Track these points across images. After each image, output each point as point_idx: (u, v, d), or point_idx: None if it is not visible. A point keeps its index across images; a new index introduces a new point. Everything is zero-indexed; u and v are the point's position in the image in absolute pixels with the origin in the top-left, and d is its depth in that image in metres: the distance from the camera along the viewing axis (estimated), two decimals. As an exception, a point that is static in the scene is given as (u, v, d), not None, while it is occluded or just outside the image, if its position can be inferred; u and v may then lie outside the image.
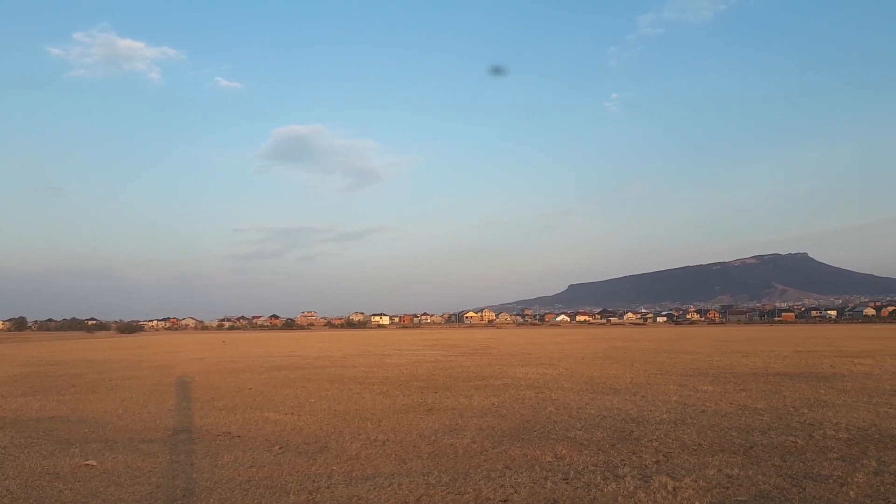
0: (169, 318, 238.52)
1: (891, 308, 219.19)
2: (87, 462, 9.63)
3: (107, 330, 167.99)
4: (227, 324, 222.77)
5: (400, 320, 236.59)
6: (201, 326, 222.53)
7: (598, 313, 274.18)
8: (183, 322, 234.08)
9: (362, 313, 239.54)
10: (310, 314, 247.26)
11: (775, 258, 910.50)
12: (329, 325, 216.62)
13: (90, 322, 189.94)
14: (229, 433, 11.89)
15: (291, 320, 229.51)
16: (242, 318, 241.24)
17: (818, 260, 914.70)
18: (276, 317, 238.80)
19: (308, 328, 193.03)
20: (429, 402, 15.37)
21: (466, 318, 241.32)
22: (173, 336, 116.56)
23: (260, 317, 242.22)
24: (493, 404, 14.92)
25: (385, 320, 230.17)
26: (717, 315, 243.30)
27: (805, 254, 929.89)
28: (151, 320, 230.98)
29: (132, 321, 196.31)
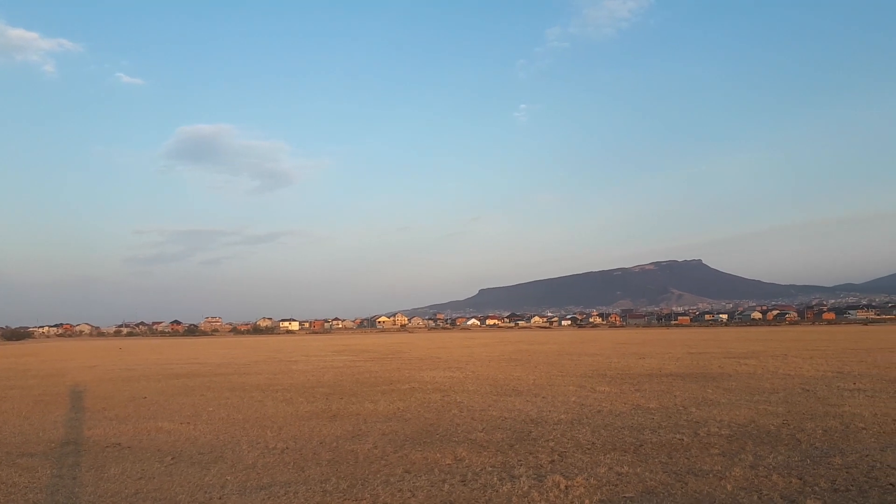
0: (62, 324, 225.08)
1: (775, 312, 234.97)
2: (-45, 480, 8.94)
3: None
4: (124, 330, 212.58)
5: (310, 326, 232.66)
6: (97, 333, 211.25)
7: (507, 317, 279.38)
8: (77, 328, 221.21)
9: (270, 319, 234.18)
10: (214, 320, 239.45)
11: (672, 265, 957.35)
12: (235, 331, 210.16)
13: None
14: (119, 444, 11.33)
15: (194, 326, 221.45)
16: (142, 323, 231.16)
17: (711, 267, 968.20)
18: (177, 322, 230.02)
19: (212, 334, 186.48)
20: (333, 409, 15.20)
21: (379, 322, 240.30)
22: (66, 343, 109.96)
23: (161, 322, 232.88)
24: (399, 409, 14.92)
25: (294, 326, 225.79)
26: (617, 319, 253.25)
27: (700, 261, 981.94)
28: (42, 326, 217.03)
29: (20, 327, 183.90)
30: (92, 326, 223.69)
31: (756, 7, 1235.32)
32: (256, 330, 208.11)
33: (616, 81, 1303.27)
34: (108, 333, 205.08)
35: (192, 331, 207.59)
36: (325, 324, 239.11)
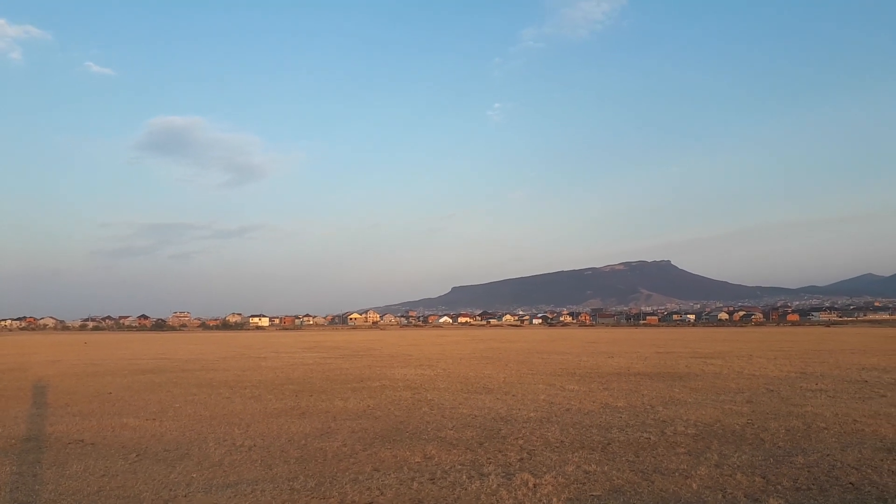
0: (25, 317, 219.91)
1: (741, 313, 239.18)
2: None
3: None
4: (90, 324, 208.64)
5: (280, 322, 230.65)
6: (62, 326, 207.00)
7: (478, 315, 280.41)
8: (41, 322, 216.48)
9: (240, 314, 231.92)
10: (183, 315, 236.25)
11: (642, 265, 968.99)
12: (203, 326, 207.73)
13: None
14: (82, 441, 11.12)
15: (162, 321, 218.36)
16: (108, 318, 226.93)
17: (680, 267, 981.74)
18: (145, 317, 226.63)
19: (180, 329, 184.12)
20: (302, 406, 15.09)
21: (351, 319, 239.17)
22: (29, 336, 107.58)
23: (128, 317, 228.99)
24: (369, 406, 14.87)
25: (264, 322, 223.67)
26: (587, 318, 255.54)
27: (668, 261, 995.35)
28: (4, 319, 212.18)
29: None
30: (56, 320, 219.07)
31: (726, 10, 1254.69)
32: (226, 325, 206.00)
33: (589, 82, 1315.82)
34: (74, 327, 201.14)
35: (160, 326, 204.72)
36: (296, 320, 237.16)
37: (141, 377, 23.66)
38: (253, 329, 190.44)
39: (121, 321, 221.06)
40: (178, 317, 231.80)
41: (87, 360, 34.93)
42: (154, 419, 13.41)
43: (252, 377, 23.00)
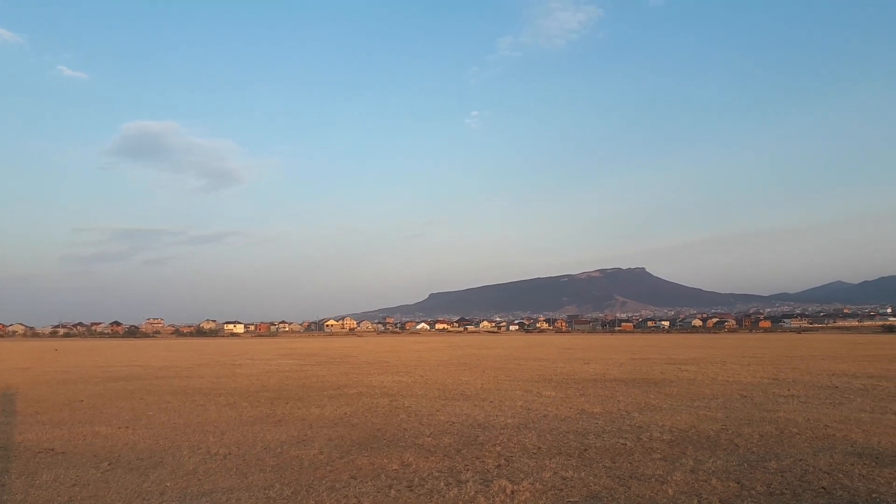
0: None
1: (715, 320, 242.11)
2: None
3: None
4: (61, 331, 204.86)
5: (255, 328, 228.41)
6: (32, 333, 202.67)
7: (456, 321, 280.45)
8: (10, 328, 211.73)
9: (214, 321, 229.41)
10: (156, 321, 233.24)
11: (617, 272, 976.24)
12: (177, 333, 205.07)
13: None
14: (52, 450, 10.90)
15: (135, 328, 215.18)
16: (80, 324, 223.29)
17: (654, 275, 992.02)
18: (118, 324, 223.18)
19: (154, 336, 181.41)
20: (278, 414, 14.95)
21: (327, 326, 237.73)
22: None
23: (100, 324, 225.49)
24: (346, 414, 14.78)
25: (239, 328, 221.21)
26: (563, 324, 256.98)
27: (643, 268, 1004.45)
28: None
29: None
30: (26, 327, 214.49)
31: (701, 21, 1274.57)
32: (200, 332, 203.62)
33: (566, 92, 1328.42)
34: (44, 334, 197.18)
35: (133, 332, 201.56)
36: (272, 327, 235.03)
37: (113, 385, 23.29)
38: (228, 336, 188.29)
39: (93, 328, 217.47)
40: (151, 323, 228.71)
41: (58, 368, 34.30)
42: (127, 427, 13.19)
43: (227, 384, 22.76)
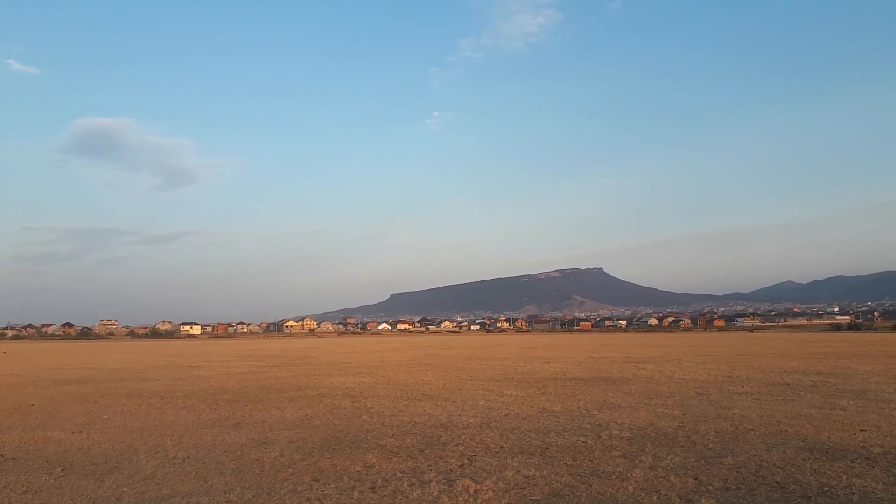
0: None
1: (670, 319, 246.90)
2: None
3: None
4: (9, 332, 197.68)
5: (213, 330, 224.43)
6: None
7: (417, 322, 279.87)
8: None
9: (170, 322, 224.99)
10: (110, 323, 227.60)
11: (575, 272, 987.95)
12: (132, 334, 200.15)
13: None
14: (2, 455, 10.56)
15: (88, 329, 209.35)
16: (30, 326, 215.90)
17: (612, 275, 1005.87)
18: (70, 325, 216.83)
19: (107, 338, 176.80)
20: (237, 416, 14.73)
21: (286, 327, 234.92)
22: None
23: (51, 325, 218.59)
24: (307, 415, 14.65)
25: (196, 330, 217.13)
26: (524, 324, 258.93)
27: (601, 269, 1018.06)
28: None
29: None
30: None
31: (658, 26, 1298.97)
32: (155, 334, 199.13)
33: (526, 94, 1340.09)
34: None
35: (86, 334, 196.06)
36: (229, 328, 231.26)
37: (66, 388, 22.66)
38: (184, 337, 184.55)
39: (43, 330, 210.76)
40: (105, 325, 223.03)
41: (7, 371, 33.21)
42: (81, 432, 12.85)
43: (184, 387, 22.34)
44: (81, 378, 27.32)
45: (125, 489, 8.31)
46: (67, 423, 14.01)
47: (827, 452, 9.83)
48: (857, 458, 9.36)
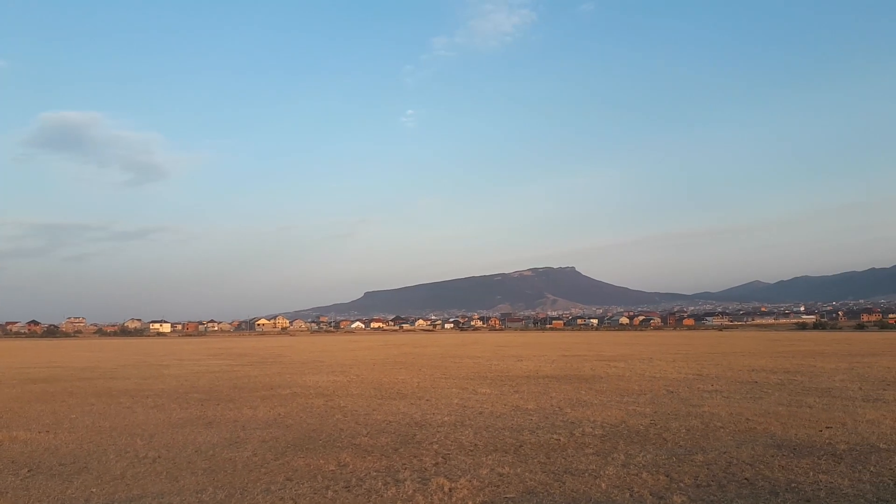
0: None
1: (641, 317, 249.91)
2: None
3: None
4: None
5: (183, 328, 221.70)
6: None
7: (391, 320, 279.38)
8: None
9: (140, 320, 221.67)
10: (77, 320, 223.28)
11: (548, 271, 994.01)
12: (100, 332, 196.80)
13: None
14: (-36, 458, 10.30)
15: (55, 327, 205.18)
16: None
17: (584, 274, 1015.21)
18: (35, 323, 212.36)
19: (75, 336, 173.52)
20: (209, 415, 14.56)
21: (258, 325, 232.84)
22: None
23: (16, 323, 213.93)
24: (279, 414, 14.53)
25: (166, 328, 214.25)
26: (497, 322, 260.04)
27: (573, 268, 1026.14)
28: None
29: None
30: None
31: (628, 28, 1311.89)
32: (124, 332, 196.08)
33: (500, 93, 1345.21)
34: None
35: (53, 332, 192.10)
36: (200, 326, 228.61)
37: (32, 387, 22.19)
38: (154, 335, 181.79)
39: (7, 327, 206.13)
40: (72, 322, 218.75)
41: (-32, 370, 32.37)
42: (48, 431, 12.60)
43: (154, 386, 22.02)
44: (48, 377, 26.79)
45: (94, 490, 8.17)
46: (34, 423, 13.72)
47: (794, 449, 10.02)
48: (823, 455, 9.57)
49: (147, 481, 8.57)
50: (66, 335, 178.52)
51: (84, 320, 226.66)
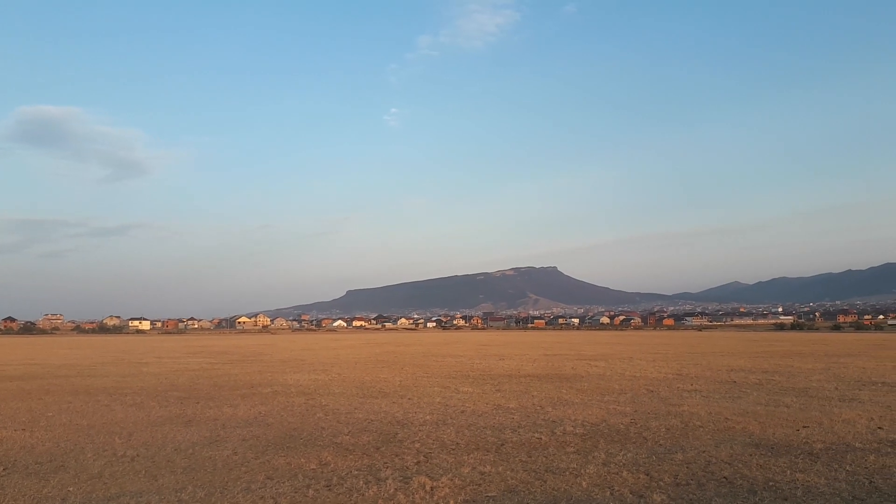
0: None
1: (622, 317, 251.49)
2: None
3: None
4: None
5: (163, 326, 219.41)
6: None
7: (374, 319, 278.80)
8: None
9: (118, 317, 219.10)
10: (55, 317, 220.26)
11: (530, 271, 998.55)
12: (78, 329, 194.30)
13: None
14: (-63, 456, 10.13)
15: (32, 324, 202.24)
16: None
17: (565, 274, 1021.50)
18: (11, 319, 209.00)
19: (52, 333, 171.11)
20: (188, 414, 14.44)
21: (239, 323, 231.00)
22: None
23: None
24: (260, 413, 14.45)
25: (145, 325, 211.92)
26: (479, 321, 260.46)
27: (555, 268, 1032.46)
28: None
29: None
30: None
31: (609, 28, 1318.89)
32: (103, 329, 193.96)
33: (483, 92, 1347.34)
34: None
35: (29, 329, 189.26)
36: (180, 324, 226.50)
37: (8, 384, 21.87)
38: (133, 333, 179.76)
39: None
40: (49, 319, 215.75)
41: (-58, 367, 31.85)
42: (24, 429, 12.42)
43: (133, 384, 21.79)
44: (24, 374, 26.42)
45: (71, 488, 8.07)
46: (9, 421, 13.53)
47: (772, 448, 10.15)
48: (800, 454, 9.70)
49: (125, 480, 8.48)
50: (44, 332, 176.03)
51: (62, 317, 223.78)
